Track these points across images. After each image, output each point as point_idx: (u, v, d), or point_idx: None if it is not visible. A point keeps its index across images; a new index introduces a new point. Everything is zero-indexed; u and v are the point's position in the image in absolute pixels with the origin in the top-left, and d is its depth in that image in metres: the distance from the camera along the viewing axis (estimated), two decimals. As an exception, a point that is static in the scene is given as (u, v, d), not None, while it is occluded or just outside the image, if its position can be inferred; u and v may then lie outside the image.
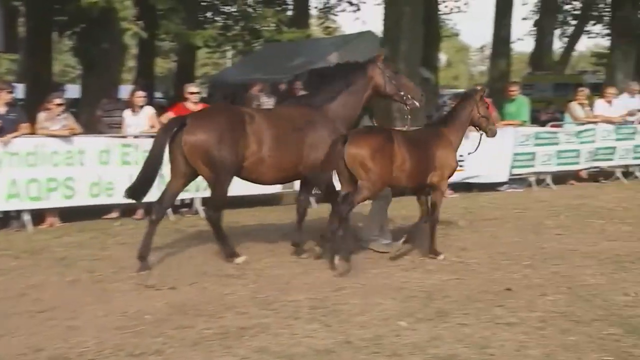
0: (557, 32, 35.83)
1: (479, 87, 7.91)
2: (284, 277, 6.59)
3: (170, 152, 6.73)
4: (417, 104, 7.47)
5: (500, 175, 12.08)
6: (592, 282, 6.40)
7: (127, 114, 10.07)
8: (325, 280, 6.47)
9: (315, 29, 33.26)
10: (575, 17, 36.04)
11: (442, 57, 41.13)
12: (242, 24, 24.58)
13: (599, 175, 13.31)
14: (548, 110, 21.43)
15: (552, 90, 28.49)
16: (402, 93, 7.39)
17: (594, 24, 35.24)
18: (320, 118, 7.10)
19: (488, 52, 38.23)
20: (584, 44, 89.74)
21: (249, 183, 7.25)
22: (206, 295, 6.02)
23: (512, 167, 12.13)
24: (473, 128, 7.60)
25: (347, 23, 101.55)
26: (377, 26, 28.10)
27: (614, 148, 13.12)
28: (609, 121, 13.14)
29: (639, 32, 21.32)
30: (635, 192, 11.96)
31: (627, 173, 13.53)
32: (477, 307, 5.70)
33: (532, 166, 12.40)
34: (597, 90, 18.94)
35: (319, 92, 7.27)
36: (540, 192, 12.12)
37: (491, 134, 7.47)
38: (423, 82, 17.28)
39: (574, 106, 13.37)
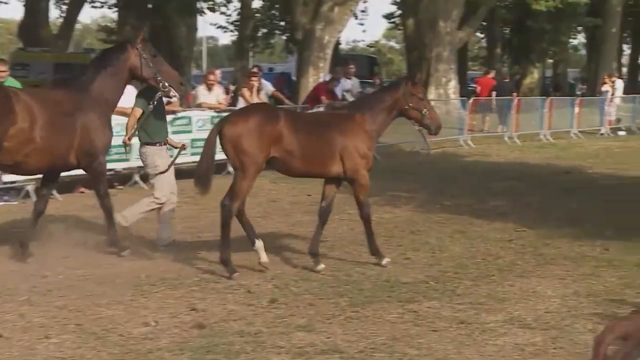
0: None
1: (412, 75, 8.83)
2: None
3: None
4: (174, 92, 8.93)
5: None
6: (108, 314, 6.66)
7: None
8: None
9: None
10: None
11: None
12: None
13: (113, 180, 13.82)
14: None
15: (53, 72, 28.72)
16: (159, 78, 8.62)
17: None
18: (89, 102, 8.26)
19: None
20: (88, 15, 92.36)
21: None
22: None
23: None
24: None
25: None
26: None
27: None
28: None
29: (149, 6, 22.86)
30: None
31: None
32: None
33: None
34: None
35: (83, 74, 8.59)
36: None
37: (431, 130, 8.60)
38: None
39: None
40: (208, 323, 6.46)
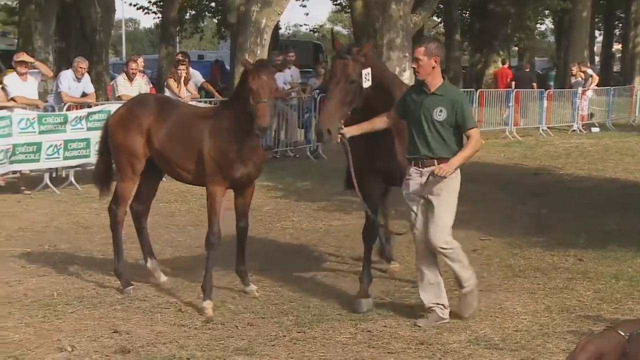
0: None
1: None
2: None
3: None
4: None
5: None
6: (16, 339, 6.59)
7: None
8: None
9: None
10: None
11: None
12: None
13: (20, 184, 13.67)
14: None
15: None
16: None
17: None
18: None
19: None
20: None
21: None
22: None
23: None
24: None
25: None
26: None
27: (39, 144, 13.59)
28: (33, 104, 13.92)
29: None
30: (69, 205, 12.65)
31: (59, 179, 14.20)
32: None
33: None
34: (8, 60, 19.50)
35: None
36: None
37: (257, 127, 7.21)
38: None
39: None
40: (133, 347, 6.43)
